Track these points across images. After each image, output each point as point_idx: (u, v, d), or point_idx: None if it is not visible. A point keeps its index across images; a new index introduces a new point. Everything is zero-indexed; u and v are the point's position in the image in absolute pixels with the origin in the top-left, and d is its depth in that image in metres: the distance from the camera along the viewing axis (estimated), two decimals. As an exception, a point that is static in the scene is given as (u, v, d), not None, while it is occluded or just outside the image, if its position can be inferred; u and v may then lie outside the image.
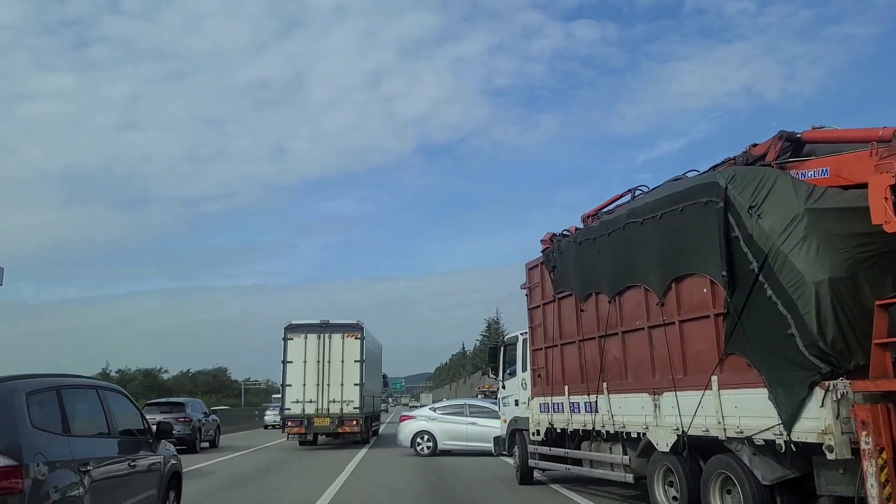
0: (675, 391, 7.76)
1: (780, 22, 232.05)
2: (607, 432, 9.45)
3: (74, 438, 5.84)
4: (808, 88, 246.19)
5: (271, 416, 38.63)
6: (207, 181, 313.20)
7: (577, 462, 10.61)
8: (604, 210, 10.46)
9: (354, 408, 21.82)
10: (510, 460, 14.60)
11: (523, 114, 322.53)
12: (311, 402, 21.70)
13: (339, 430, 22.00)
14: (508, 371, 13.96)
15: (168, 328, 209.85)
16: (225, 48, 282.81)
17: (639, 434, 8.65)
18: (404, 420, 21.35)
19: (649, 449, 8.49)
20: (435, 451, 20.06)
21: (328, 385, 21.79)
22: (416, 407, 57.28)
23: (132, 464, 6.81)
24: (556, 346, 10.98)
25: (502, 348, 14.42)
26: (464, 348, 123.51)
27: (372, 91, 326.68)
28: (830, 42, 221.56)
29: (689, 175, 8.55)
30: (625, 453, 9.14)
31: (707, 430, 7.23)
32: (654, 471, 8.40)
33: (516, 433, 13.10)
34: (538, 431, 11.71)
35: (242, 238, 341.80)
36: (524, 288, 12.43)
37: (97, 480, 5.87)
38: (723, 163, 8.13)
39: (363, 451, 21.26)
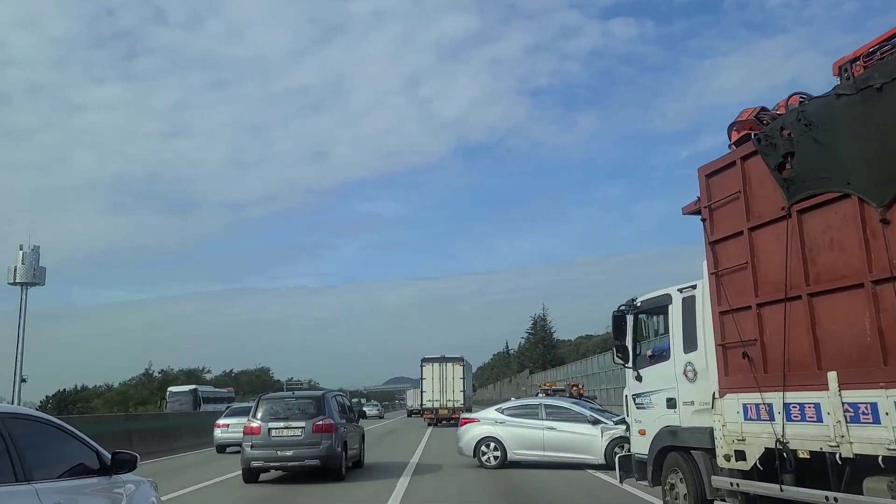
0: None
1: (825, 14, 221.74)
2: None
3: (341, 414, 14.25)
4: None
5: (368, 410, 55.47)
6: (251, 185, 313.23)
7: (861, 518, 5.33)
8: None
9: (459, 404, 34.07)
10: (639, 490, 9.54)
11: (561, 113, 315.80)
12: (436, 401, 34.91)
13: (452, 416, 32.56)
14: (650, 353, 8.74)
15: (213, 329, 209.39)
16: (266, 56, 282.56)
17: None
18: (465, 424, 16.29)
19: None
20: (504, 463, 15.14)
21: (444, 391, 34.87)
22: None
23: (353, 428, 15.14)
24: (795, 299, 5.77)
25: (632, 318, 9.02)
26: (507, 347, 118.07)
27: (410, 94, 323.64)
28: (876, 33, 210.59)
29: None
30: None
31: None
32: None
33: (673, 453, 7.85)
34: (739, 454, 6.50)
35: (285, 240, 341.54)
36: (695, 210, 7.23)
37: (346, 433, 13.94)
38: None
39: (429, 431, 30.44)
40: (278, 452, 12.78)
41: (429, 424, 35.31)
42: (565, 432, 14.82)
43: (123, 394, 73.06)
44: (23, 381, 66.46)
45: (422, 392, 36.11)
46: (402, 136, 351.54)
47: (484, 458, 15.24)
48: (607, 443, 14.26)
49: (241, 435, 13.71)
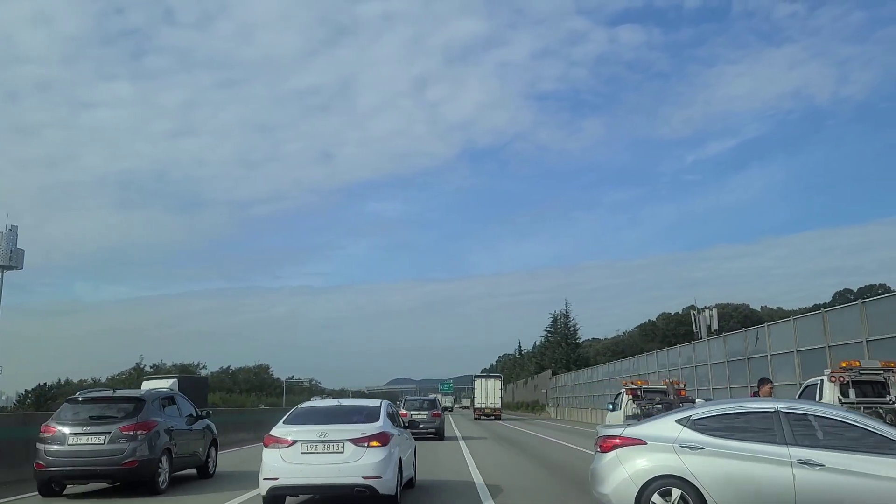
0: None
1: (831, 24, 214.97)
2: None
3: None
4: (860, 91, 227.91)
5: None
6: (258, 185, 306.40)
7: None
8: None
9: (497, 407, 53.35)
10: None
11: (568, 118, 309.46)
12: (483, 403, 53.41)
13: (493, 414, 52.35)
14: None
15: (218, 327, 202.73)
16: (276, 56, 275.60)
17: None
18: (612, 448, 7.84)
19: None
20: None
21: (488, 397, 53.45)
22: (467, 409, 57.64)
23: (445, 415, 31.05)
24: None
25: None
26: (520, 347, 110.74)
27: (418, 97, 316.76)
28: (885, 44, 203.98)
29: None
30: None
31: None
32: None
33: None
34: None
35: (291, 240, 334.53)
36: None
37: (443, 417, 28.29)
38: None
39: (452, 419, 47.56)
40: (417, 426, 22.00)
41: (476, 419, 51.99)
42: (847, 474, 6.85)
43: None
44: (-2, 371, 59.62)
45: (472, 398, 57.69)
46: (410, 137, 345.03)
47: None
48: None
49: None
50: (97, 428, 10.88)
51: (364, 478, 8.88)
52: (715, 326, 43.37)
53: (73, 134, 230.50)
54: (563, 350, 66.88)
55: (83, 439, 10.77)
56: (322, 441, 9.02)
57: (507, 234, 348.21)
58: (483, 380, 54.34)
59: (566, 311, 70.72)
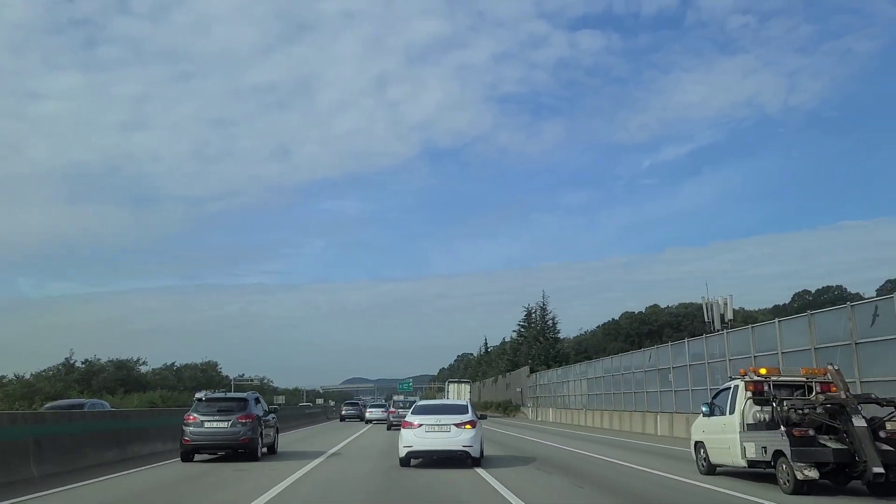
0: None
1: (782, 36, 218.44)
2: None
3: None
4: (808, 101, 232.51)
5: (346, 411, 56.49)
6: (213, 181, 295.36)
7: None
8: None
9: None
10: None
11: (528, 120, 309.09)
12: None
13: None
14: None
15: (168, 324, 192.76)
16: (233, 51, 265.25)
17: None
18: None
19: None
20: None
21: (458, 399, 46.88)
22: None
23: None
24: None
25: None
26: (486, 344, 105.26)
27: (378, 96, 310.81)
28: (833, 56, 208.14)
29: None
30: None
31: None
32: None
33: None
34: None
35: (247, 237, 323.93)
36: None
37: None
38: None
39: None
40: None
41: None
42: None
43: (30, 385, 56.88)
44: None
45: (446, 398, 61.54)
46: (370, 136, 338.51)
47: None
48: None
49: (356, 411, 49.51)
50: (222, 417, 16.33)
51: (463, 446, 14.78)
52: (729, 316, 38.28)
53: (19, 125, 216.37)
54: (541, 345, 61.55)
55: (213, 424, 16.18)
56: (437, 424, 15.01)
57: (466, 234, 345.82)
58: (455, 384, 63.37)
59: (543, 304, 65.64)
